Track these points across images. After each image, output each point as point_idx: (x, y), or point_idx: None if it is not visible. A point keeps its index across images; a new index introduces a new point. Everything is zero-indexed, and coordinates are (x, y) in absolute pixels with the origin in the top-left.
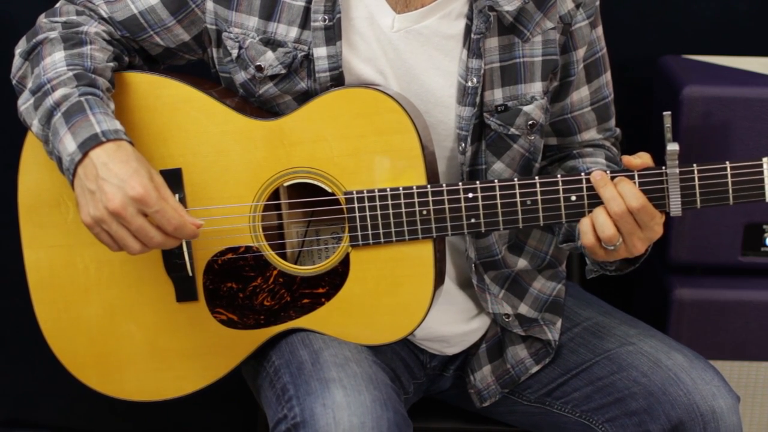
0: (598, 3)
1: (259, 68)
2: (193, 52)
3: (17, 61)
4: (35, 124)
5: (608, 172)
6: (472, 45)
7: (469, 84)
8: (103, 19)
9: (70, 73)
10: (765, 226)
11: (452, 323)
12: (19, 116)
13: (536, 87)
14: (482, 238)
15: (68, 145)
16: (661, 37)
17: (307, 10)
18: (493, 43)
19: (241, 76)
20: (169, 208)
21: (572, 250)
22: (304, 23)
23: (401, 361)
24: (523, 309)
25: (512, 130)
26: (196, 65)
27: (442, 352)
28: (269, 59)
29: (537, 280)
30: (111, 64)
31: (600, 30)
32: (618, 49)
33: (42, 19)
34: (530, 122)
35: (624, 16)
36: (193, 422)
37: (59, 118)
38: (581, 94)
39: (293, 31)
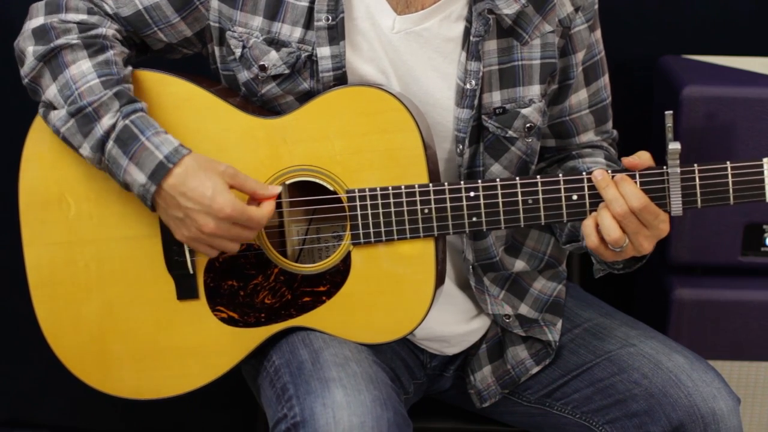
0: (596, 6)
1: (263, 68)
2: (192, 46)
3: (31, 62)
4: (86, 149)
5: (609, 171)
6: (471, 48)
7: (468, 86)
8: (108, 15)
9: (110, 92)
10: (765, 226)
11: (452, 323)
12: (53, 130)
13: (534, 90)
14: (480, 240)
15: (137, 177)
16: (661, 37)
17: (310, 10)
18: (491, 45)
19: (244, 75)
20: (254, 212)
21: (576, 250)
22: (308, 23)
23: (401, 361)
24: (524, 309)
25: (510, 133)
26: (194, 60)
27: (443, 352)
28: (273, 59)
29: (537, 280)
30: (129, 68)
31: (598, 33)
32: (618, 50)
33: (43, 15)
34: (528, 125)
35: (624, 16)
36: (193, 422)
37: (113, 146)
38: (580, 96)
39: (297, 32)
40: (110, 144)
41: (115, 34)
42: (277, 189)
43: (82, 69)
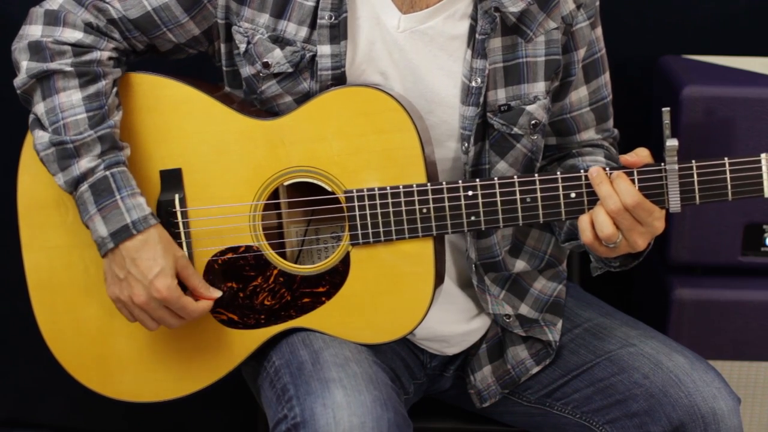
0: (597, 3)
1: (266, 65)
2: (200, 45)
3: (24, 78)
4: (59, 179)
5: (607, 169)
6: (477, 45)
7: (473, 84)
8: (112, 20)
9: (94, 135)
10: (765, 226)
11: (453, 323)
12: (34, 148)
13: (539, 87)
14: (484, 239)
15: (99, 228)
16: (661, 37)
17: (315, 9)
18: (496, 43)
19: (246, 71)
20: (188, 303)
21: (575, 248)
22: (314, 23)
23: (401, 361)
24: (524, 309)
25: (515, 130)
26: (196, 62)
27: (443, 352)
28: (277, 57)
29: (538, 280)
30: (116, 89)
31: (599, 30)
32: (618, 49)
33: (42, 24)
34: (533, 122)
35: (624, 16)
36: (193, 422)
37: (86, 190)
38: (580, 94)
39: (303, 31)
40: (84, 187)
41: (111, 54)
42: (217, 293)
43: (72, 100)
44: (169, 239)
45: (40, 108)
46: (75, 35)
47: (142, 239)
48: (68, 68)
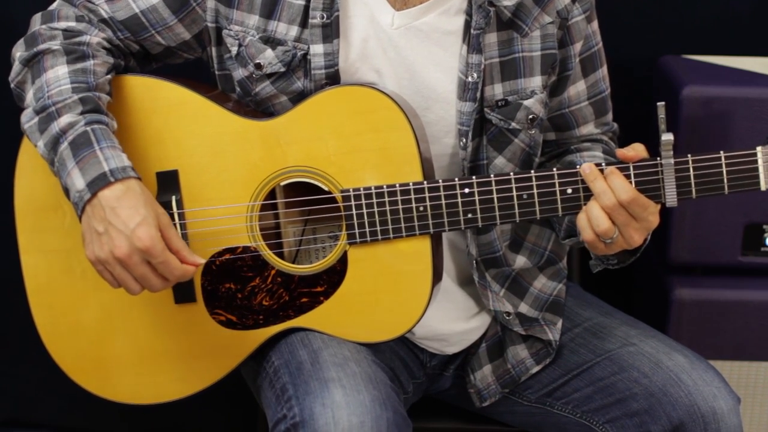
0: None
1: (258, 66)
2: (192, 50)
3: (17, 66)
4: (41, 147)
5: (604, 164)
6: (472, 40)
7: (470, 79)
8: (103, 20)
9: (75, 96)
10: (765, 226)
11: (452, 321)
12: (23, 131)
13: (536, 81)
14: (484, 235)
15: (76, 181)
16: (661, 37)
17: (306, 9)
18: (492, 38)
19: (239, 74)
20: (172, 259)
21: (575, 245)
22: (304, 22)
23: (400, 360)
24: (524, 308)
25: (513, 125)
26: (193, 65)
27: (442, 351)
28: (269, 57)
29: (538, 279)
30: (109, 76)
31: (595, 24)
32: (618, 49)
33: (39, 25)
34: (531, 116)
35: (624, 16)
36: (193, 422)
37: (66, 148)
38: (578, 88)
39: (293, 30)
40: (63, 144)
41: (101, 42)
42: (202, 261)
43: (58, 74)
44: (150, 195)
45: (30, 94)
46: (67, 23)
47: (122, 188)
48: (56, 47)
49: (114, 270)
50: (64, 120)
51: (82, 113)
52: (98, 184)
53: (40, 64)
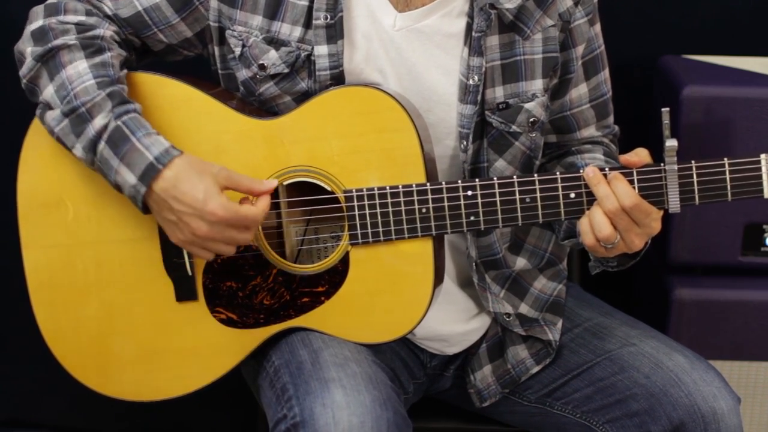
0: (596, 0)
1: (262, 67)
2: (193, 47)
3: (29, 62)
4: (78, 150)
5: (608, 168)
6: (474, 43)
7: (471, 82)
8: (107, 16)
9: (102, 93)
10: (765, 226)
11: (452, 322)
12: (48, 131)
13: (537, 84)
14: (483, 237)
15: (127, 177)
16: (661, 37)
17: (310, 9)
18: (493, 41)
19: (242, 74)
20: (249, 212)
21: (574, 246)
22: (308, 23)
23: (401, 360)
24: (524, 309)
25: (514, 128)
26: (194, 63)
27: (443, 351)
28: (272, 58)
29: (538, 280)
30: (125, 70)
31: (598, 27)
32: (618, 49)
33: (43, 18)
34: (532, 119)
35: (624, 16)
36: (193, 422)
37: (104, 147)
38: (580, 91)
39: (297, 31)
40: (102, 145)
41: (113, 35)
42: (273, 183)
43: (79, 69)
44: (198, 160)
45: (49, 91)
46: (77, 17)
47: (172, 175)
48: (72, 41)
49: (204, 245)
50: (99, 122)
51: (112, 110)
52: (150, 174)
53: (56, 59)
